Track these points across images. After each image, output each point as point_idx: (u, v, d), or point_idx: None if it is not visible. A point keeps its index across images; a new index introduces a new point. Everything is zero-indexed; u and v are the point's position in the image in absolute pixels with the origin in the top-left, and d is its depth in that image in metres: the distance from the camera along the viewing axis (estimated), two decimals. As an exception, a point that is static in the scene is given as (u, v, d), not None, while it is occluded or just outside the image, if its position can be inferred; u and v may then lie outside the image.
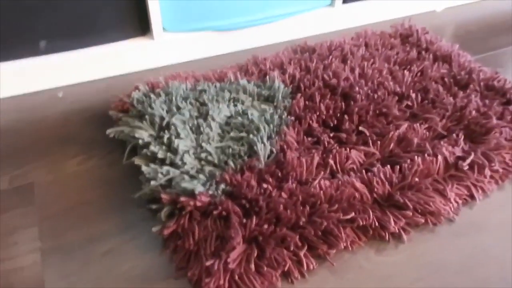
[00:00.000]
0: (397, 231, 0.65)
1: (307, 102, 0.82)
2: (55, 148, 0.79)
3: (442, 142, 0.77)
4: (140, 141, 0.72)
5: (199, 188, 0.63)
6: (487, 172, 0.74)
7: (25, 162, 0.75)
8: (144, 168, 0.68)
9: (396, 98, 0.86)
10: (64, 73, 0.91)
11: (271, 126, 0.76)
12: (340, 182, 0.67)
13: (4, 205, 0.69)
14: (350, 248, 0.64)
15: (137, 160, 0.70)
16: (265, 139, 0.73)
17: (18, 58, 0.86)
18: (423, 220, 0.67)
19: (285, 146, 0.73)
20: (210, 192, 0.64)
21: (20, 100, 0.88)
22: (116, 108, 0.81)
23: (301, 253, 0.60)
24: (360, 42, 1.02)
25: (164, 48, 0.96)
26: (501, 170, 0.76)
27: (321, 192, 0.65)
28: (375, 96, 0.85)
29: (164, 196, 0.63)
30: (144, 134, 0.72)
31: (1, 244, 0.64)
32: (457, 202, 0.71)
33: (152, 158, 0.70)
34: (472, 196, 0.73)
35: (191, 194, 0.63)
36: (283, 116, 0.79)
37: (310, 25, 1.12)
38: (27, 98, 0.89)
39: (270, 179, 0.67)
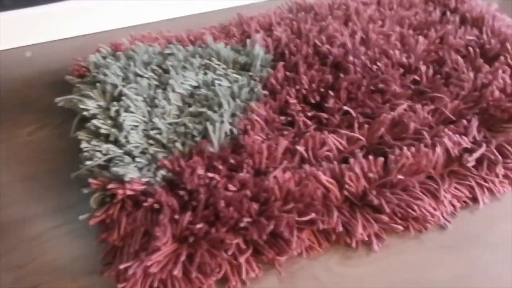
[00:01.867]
0: (366, 238, 0.54)
1: (288, 73, 0.69)
2: (10, 114, 0.73)
3: (446, 130, 0.62)
4: (85, 113, 0.64)
5: (131, 174, 0.54)
6: (500, 170, 0.60)
7: (-25, 129, 0.71)
8: (83, 145, 0.60)
9: (401, 71, 0.71)
10: (32, 30, 0.83)
11: (237, 100, 0.64)
12: (304, 175, 0.56)
13: None
14: (307, 254, 0.54)
15: (81, 135, 0.63)
16: (226, 117, 0.62)
17: (-20, 13, 0.80)
18: (402, 227, 0.55)
19: (248, 127, 0.62)
20: (146, 178, 0.55)
21: (-16, 59, 0.83)
22: (74, 73, 0.73)
23: (242, 258, 0.50)
24: (371, 0, 0.85)
25: (143, 3, 0.86)
26: (519, 168, 0.60)
27: (276, 186, 0.54)
28: (374, 67, 0.70)
29: (92, 181, 0.55)
30: (91, 104, 0.64)
31: None
32: (453, 205, 0.58)
33: (97, 133, 0.62)
34: (476, 199, 0.59)
35: (122, 180, 0.54)
36: (256, 89, 0.67)
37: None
38: (-9, 57, 0.83)
39: (221, 167, 0.57)
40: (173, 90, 0.66)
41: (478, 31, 0.79)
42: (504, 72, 0.70)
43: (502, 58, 0.72)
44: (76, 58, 0.74)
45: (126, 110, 0.63)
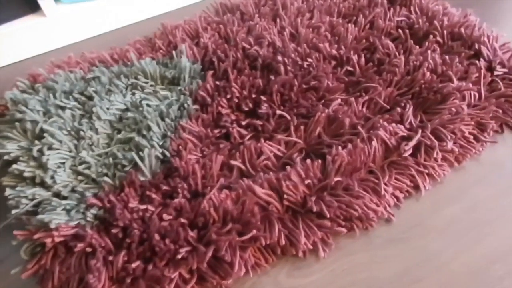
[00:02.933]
0: (310, 246, 0.53)
1: (218, 82, 0.67)
2: None
3: (381, 120, 0.61)
4: (7, 157, 0.60)
5: (58, 219, 0.51)
6: (438, 154, 0.59)
7: None
8: (8, 192, 0.57)
9: (333, 63, 0.70)
10: None
11: (167, 120, 0.62)
12: (241, 191, 0.54)
13: None
14: (253, 272, 0.52)
15: (6, 180, 0.59)
16: (156, 140, 0.59)
17: None
18: (345, 230, 0.54)
19: (181, 147, 0.59)
20: (75, 221, 0.52)
21: None
22: (-8, 112, 0.69)
23: (186, 289, 0.49)
24: (299, -9, 0.83)
25: (60, 24, 0.81)
26: (457, 149, 0.60)
27: (212, 208, 0.52)
28: (305, 64, 0.69)
29: (17, 233, 0.52)
30: (10, 146, 0.60)
31: None
32: (396, 197, 0.58)
33: (22, 176, 0.59)
34: (418, 187, 0.59)
35: (49, 227, 0.51)
36: (186, 104, 0.64)
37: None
38: None
39: (155, 196, 0.54)
40: (99, 118, 0.63)
41: (407, 11, 0.78)
42: (434, 51, 0.70)
43: (431, 36, 0.72)
44: (-7, 96, 0.70)
45: (50, 148, 0.59)
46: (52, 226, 0.51)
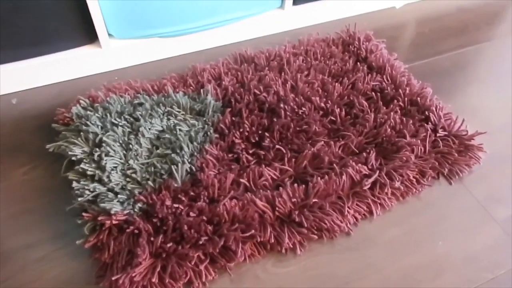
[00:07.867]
0: (291, 246, 0.75)
1: (233, 118, 0.89)
2: (5, 156, 0.88)
3: (351, 161, 0.84)
4: (73, 158, 0.80)
5: (115, 208, 0.72)
6: (388, 189, 0.82)
7: (-25, 171, 0.85)
8: (74, 184, 0.77)
9: (321, 113, 0.93)
10: (17, 81, 0.98)
11: (195, 143, 0.83)
12: (246, 202, 0.76)
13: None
14: (249, 260, 0.74)
15: (71, 175, 0.79)
16: (186, 157, 0.81)
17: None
18: (316, 237, 0.76)
19: (204, 164, 0.81)
20: (127, 210, 0.73)
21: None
22: (58, 121, 0.89)
23: (202, 266, 0.70)
24: (301, 51, 1.06)
25: (112, 54, 1.02)
26: (403, 188, 0.83)
27: (225, 212, 0.74)
28: (300, 112, 0.91)
29: (85, 214, 0.72)
30: (77, 150, 0.81)
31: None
32: (355, 218, 0.80)
33: (84, 174, 0.79)
34: (372, 212, 0.81)
35: (109, 213, 0.72)
36: (209, 133, 0.86)
37: (259, 28, 1.16)
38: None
39: (184, 198, 0.75)
40: (143, 136, 0.84)
41: (381, 78, 1.02)
42: (395, 113, 0.93)
43: (395, 101, 0.95)
44: (60, 109, 0.90)
45: (107, 155, 0.80)
46: (112, 212, 0.71)
